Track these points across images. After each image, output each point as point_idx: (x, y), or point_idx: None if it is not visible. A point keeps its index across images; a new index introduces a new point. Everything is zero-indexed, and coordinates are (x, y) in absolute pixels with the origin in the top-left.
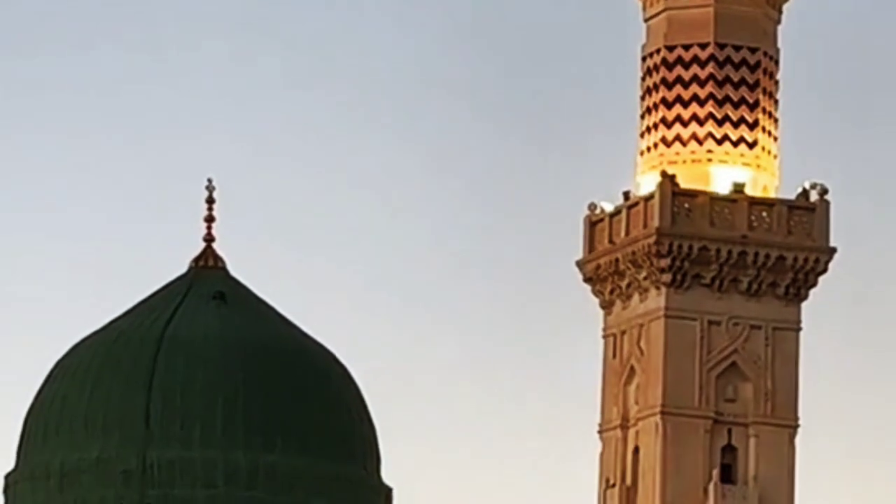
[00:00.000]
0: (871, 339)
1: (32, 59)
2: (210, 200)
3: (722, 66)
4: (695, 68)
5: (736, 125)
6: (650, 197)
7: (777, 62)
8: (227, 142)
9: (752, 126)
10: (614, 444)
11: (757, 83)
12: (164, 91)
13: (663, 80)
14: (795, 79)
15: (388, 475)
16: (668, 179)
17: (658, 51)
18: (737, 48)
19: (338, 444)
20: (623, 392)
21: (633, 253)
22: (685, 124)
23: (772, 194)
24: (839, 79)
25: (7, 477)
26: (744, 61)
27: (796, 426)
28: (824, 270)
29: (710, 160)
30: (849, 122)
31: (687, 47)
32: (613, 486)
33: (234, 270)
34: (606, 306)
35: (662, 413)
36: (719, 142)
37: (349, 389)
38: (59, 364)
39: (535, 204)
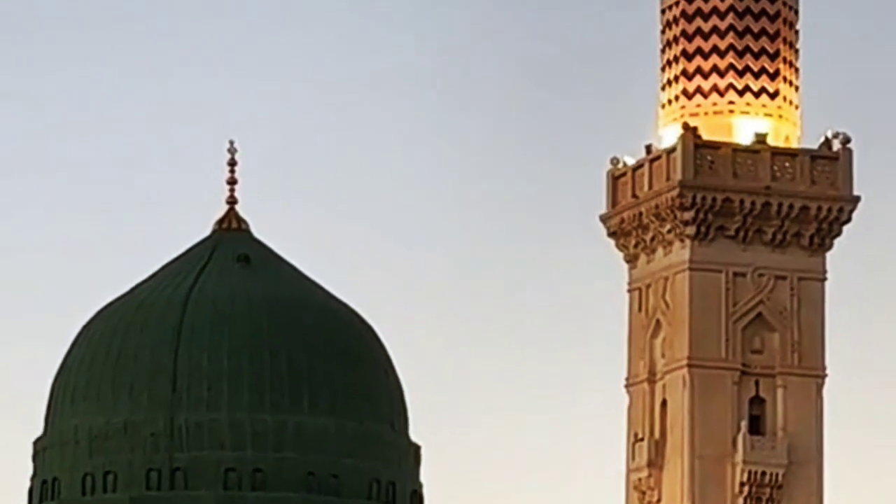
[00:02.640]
0: None
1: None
2: (232, 163)
3: (741, 16)
4: (714, 20)
5: (757, 76)
6: (672, 150)
7: (797, 11)
8: (249, 104)
9: (773, 76)
10: (642, 398)
11: (777, 33)
12: (186, 53)
13: (683, 33)
14: (815, 27)
15: (415, 433)
16: (690, 132)
17: (677, 3)
18: None
19: (365, 403)
20: (649, 345)
21: (657, 206)
22: (706, 76)
23: (794, 144)
24: (859, 26)
25: (36, 443)
26: (763, 11)
27: (824, 376)
28: (848, 220)
29: (731, 111)
30: (870, 69)
31: None
32: (642, 439)
33: (258, 232)
34: (631, 260)
35: (689, 366)
36: (740, 93)
37: (375, 348)
38: (85, 329)
39: (558, 159)
